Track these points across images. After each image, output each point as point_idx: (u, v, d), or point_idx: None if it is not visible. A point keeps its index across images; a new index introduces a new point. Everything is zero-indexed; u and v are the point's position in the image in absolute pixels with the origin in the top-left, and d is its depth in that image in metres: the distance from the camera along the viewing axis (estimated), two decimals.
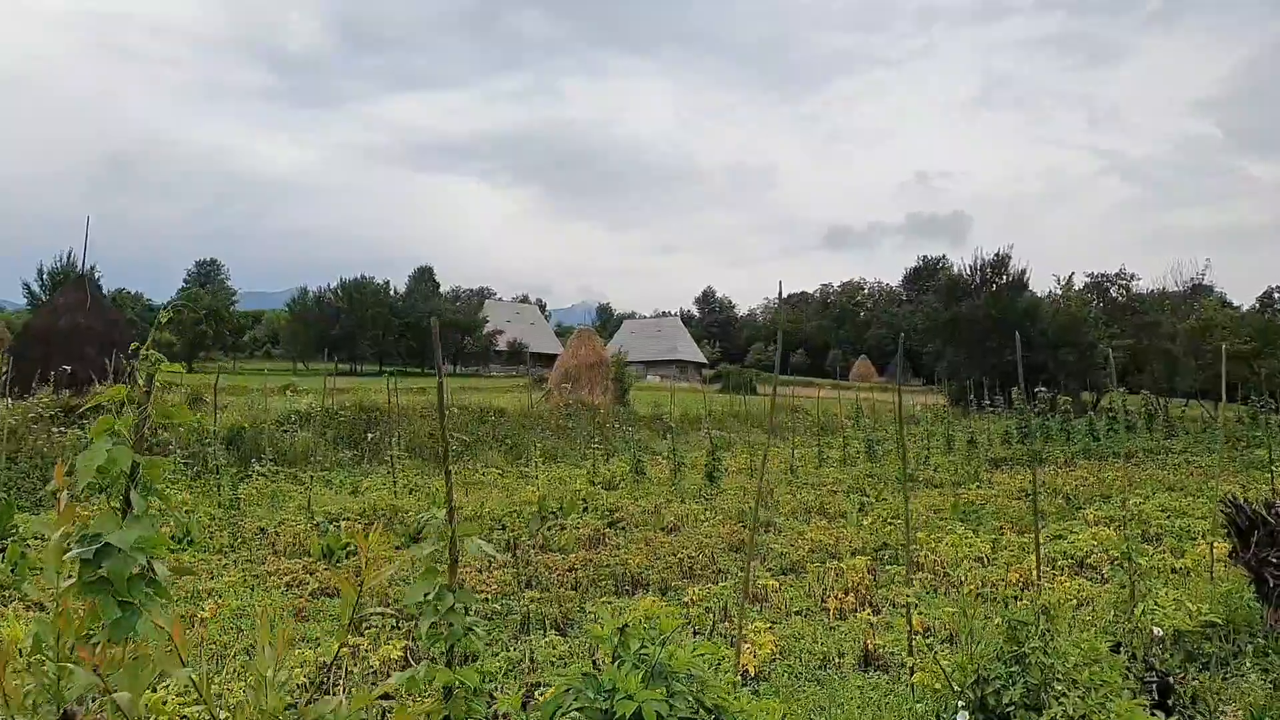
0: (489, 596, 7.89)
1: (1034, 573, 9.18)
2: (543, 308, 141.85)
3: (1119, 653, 4.96)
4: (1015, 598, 8.09)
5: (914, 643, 5.56)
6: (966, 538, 10.10)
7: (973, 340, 44.84)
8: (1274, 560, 5.76)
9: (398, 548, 10.51)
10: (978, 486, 17.46)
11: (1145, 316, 53.56)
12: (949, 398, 48.32)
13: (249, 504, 12.43)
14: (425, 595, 3.59)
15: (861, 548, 11.24)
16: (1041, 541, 11.84)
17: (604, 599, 8.07)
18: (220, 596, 7.66)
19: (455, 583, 3.65)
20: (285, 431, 17.46)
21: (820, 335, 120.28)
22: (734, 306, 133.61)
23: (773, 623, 7.72)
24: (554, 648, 6.52)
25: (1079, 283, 54.66)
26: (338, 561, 8.83)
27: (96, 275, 70.32)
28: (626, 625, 3.43)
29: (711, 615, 7.64)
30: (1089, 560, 10.30)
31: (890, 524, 12.80)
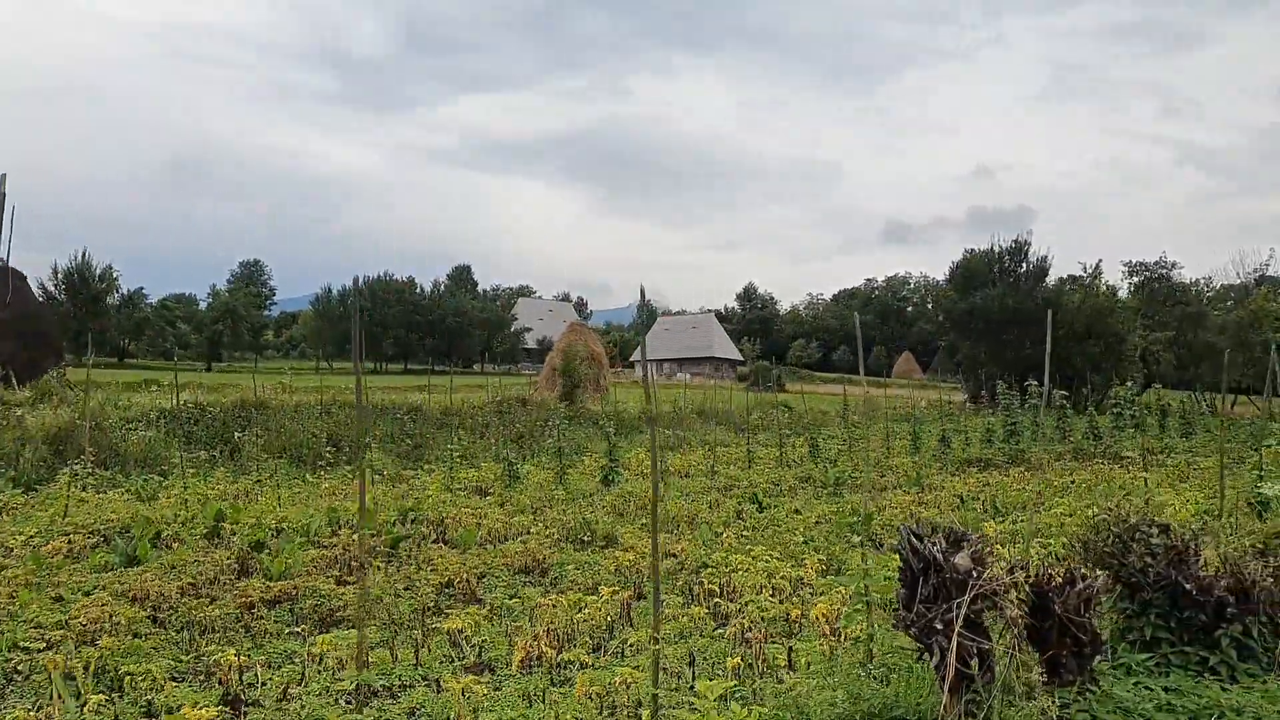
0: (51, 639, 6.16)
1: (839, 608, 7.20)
2: (581, 307, 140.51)
3: None
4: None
5: None
6: (762, 559, 8.09)
7: (989, 332, 41.98)
8: (940, 626, 3.71)
9: (105, 570, 8.90)
10: (918, 491, 15.52)
11: (1188, 307, 50.38)
12: (968, 393, 45.85)
13: (9, 515, 10.94)
14: None
15: (677, 569, 9.33)
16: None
17: (221, 645, 6.30)
18: None
19: None
20: (132, 430, 16.01)
21: (864, 331, 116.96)
22: (775, 303, 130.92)
23: (410, 685, 5.85)
24: None
25: (1116, 272, 51.66)
26: None
27: (114, 274, 71.20)
28: None
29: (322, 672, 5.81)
30: None
31: (745, 536, 10.82)
